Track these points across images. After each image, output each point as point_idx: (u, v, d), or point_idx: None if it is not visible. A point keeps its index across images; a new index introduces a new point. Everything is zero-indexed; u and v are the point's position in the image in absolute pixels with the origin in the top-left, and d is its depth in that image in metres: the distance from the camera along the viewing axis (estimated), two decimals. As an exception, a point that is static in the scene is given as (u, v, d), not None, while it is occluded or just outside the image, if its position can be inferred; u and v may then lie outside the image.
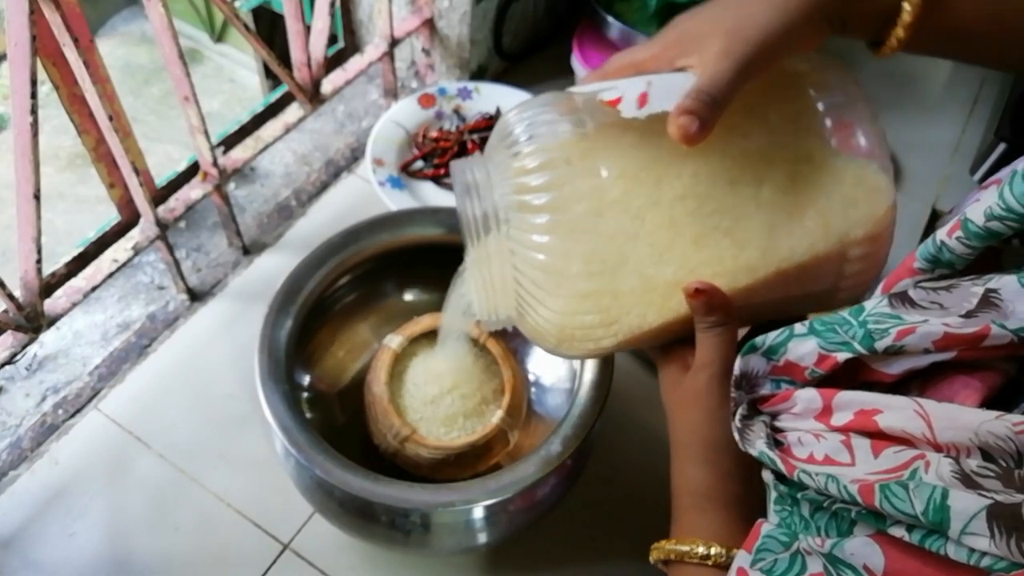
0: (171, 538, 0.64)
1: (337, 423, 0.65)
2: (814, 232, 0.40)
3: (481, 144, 0.89)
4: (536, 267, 0.40)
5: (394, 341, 0.61)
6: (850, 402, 0.34)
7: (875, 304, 0.37)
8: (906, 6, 0.38)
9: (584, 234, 0.39)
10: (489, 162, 0.42)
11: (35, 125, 0.56)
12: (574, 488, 0.60)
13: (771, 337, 0.38)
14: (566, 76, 0.99)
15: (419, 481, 0.54)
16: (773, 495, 0.38)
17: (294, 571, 0.63)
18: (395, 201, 0.82)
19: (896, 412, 0.32)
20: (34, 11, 0.53)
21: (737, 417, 0.38)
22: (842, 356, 0.36)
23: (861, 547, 0.31)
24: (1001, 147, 0.89)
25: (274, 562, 0.63)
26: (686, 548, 0.39)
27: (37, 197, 0.58)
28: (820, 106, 0.41)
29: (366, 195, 0.87)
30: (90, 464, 0.67)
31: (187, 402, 0.71)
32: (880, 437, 0.33)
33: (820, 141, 0.40)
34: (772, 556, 0.34)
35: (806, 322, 0.38)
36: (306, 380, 0.66)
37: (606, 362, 0.58)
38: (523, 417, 0.64)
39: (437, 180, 0.87)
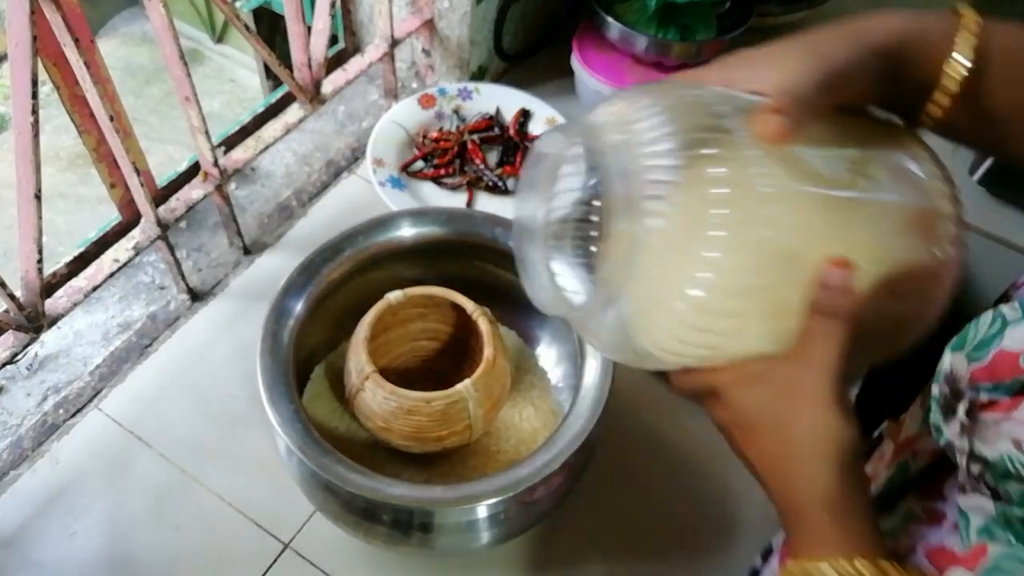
0: (172, 537, 0.64)
1: (340, 422, 0.65)
2: (917, 245, 0.39)
3: (481, 145, 0.89)
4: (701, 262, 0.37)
5: (394, 295, 0.63)
6: None
7: None
8: (955, 70, 0.38)
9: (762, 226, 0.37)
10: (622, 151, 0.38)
11: (36, 125, 0.56)
12: (577, 488, 0.60)
13: (981, 332, 0.37)
14: (566, 76, 0.99)
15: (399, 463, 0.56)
16: (981, 521, 0.35)
17: (295, 570, 0.63)
18: (395, 201, 0.82)
19: None
20: (35, 11, 0.53)
21: (961, 412, 0.36)
22: None
23: None
24: (1001, 147, 0.89)
25: (275, 561, 0.63)
26: (826, 564, 0.36)
27: (38, 197, 0.58)
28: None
29: (366, 195, 0.87)
30: (91, 463, 0.67)
31: (188, 401, 0.71)
32: None
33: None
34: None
35: (1016, 305, 0.36)
36: (309, 379, 0.66)
37: (608, 361, 0.58)
38: (496, 404, 0.62)
39: (437, 180, 0.87)
